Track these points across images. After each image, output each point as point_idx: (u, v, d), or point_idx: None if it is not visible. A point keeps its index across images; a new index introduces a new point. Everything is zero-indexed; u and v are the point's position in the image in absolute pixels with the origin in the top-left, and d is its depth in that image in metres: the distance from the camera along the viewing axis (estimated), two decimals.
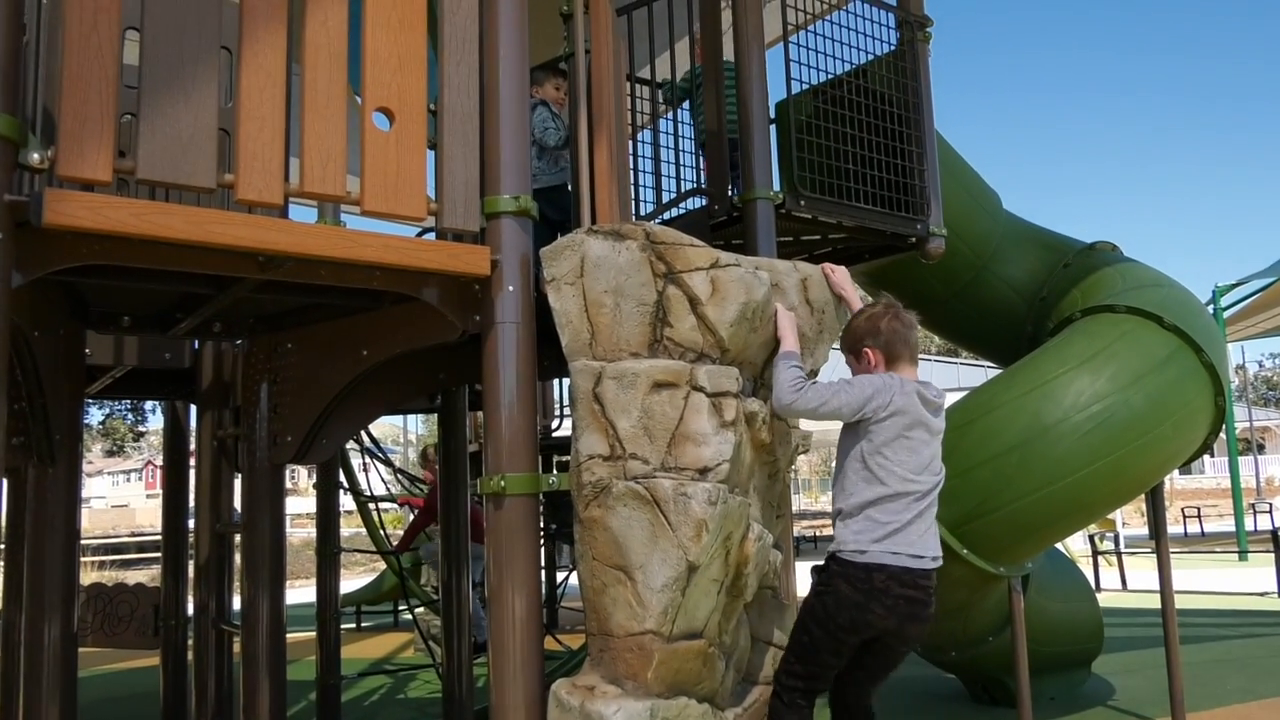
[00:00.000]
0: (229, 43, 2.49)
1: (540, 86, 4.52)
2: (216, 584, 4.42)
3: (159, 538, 5.31)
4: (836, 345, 3.23)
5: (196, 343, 4.21)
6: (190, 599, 4.81)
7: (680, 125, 4.51)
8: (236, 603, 3.99)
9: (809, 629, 2.82)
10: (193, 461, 4.82)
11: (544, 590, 8.18)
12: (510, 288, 2.76)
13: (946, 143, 5.06)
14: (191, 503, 4.83)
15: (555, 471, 6.47)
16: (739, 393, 2.70)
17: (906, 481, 2.75)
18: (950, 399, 3.86)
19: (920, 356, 3.14)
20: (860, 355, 2.93)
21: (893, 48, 4.42)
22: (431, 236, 3.44)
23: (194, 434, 4.71)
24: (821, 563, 2.88)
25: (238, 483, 4.02)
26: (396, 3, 2.66)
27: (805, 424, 3.39)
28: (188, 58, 2.27)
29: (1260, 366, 56.21)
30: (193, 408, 4.75)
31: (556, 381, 7.41)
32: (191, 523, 4.84)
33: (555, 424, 7.88)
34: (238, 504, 4.02)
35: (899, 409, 2.76)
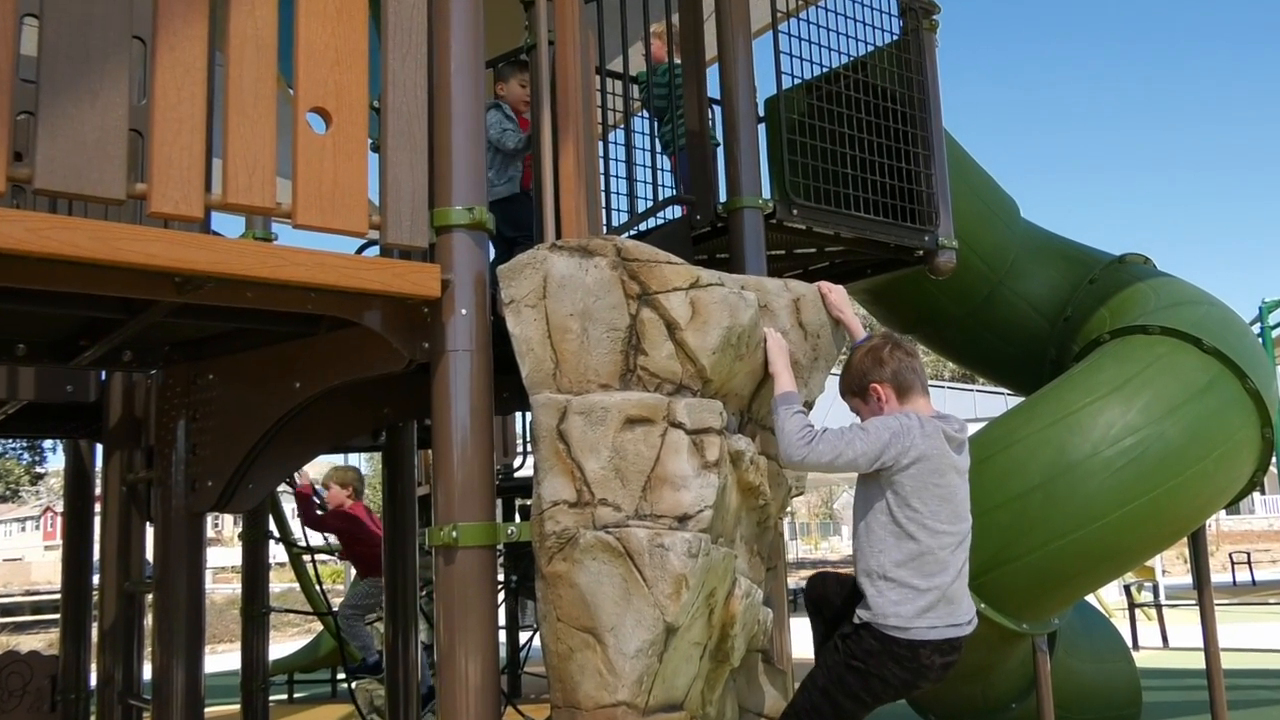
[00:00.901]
0: (142, 32, 2.50)
1: (505, 83, 4.53)
2: (124, 651, 4.36)
3: (58, 597, 5.24)
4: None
5: (104, 374, 4.18)
6: (94, 668, 4.75)
7: (656, 125, 4.54)
8: (147, 672, 3.94)
9: (836, 701, 2.84)
10: (98, 509, 4.77)
11: (504, 654, 8.12)
12: (463, 311, 2.77)
13: (957, 144, 5.13)
14: (96, 556, 4.78)
15: (517, 519, 6.44)
16: (723, 429, 2.71)
17: (939, 534, 2.78)
18: None
19: (931, 383, 3.17)
20: (868, 395, 2.95)
21: (895, 37, 4.49)
22: (374, 253, 3.44)
23: (100, 477, 4.67)
24: (849, 630, 2.86)
25: (150, 533, 3.99)
26: None
27: None
28: (94, 49, 2.27)
29: None
30: (99, 447, 4.71)
31: (518, 415, 7.40)
32: (96, 579, 4.78)
33: (517, 463, 7.86)
34: (150, 558, 3.98)
35: (921, 454, 2.77)
